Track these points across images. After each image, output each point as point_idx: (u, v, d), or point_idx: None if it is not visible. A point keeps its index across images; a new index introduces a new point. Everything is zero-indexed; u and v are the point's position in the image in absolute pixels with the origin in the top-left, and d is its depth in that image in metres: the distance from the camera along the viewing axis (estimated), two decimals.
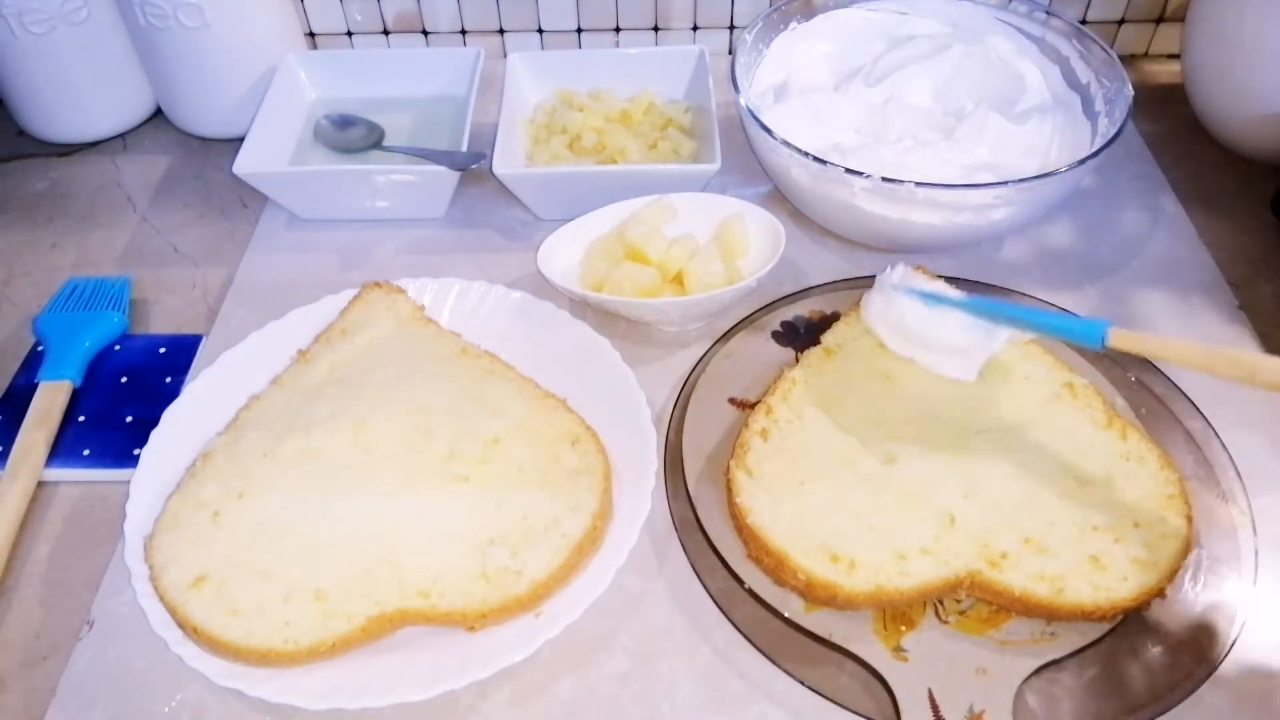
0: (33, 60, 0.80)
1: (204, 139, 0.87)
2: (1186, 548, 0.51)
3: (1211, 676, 0.48)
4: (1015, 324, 0.57)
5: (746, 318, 0.66)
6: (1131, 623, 0.50)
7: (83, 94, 0.84)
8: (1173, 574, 0.50)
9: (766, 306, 0.67)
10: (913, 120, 0.73)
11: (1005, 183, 0.63)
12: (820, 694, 0.48)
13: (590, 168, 0.75)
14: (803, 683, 0.49)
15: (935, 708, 0.47)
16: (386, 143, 0.80)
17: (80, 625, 0.54)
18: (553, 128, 0.79)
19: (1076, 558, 0.50)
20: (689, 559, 0.54)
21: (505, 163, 0.72)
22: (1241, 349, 0.54)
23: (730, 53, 0.85)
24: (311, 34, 0.93)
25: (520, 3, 0.90)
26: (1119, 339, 0.50)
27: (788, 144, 0.65)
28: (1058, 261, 0.72)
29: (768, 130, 0.66)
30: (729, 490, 0.54)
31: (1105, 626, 0.50)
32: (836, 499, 0.53)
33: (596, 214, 0.69)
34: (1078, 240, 0.74)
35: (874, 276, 0.68)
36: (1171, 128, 0.85)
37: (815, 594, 0.50)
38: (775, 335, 0.65)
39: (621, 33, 0.92)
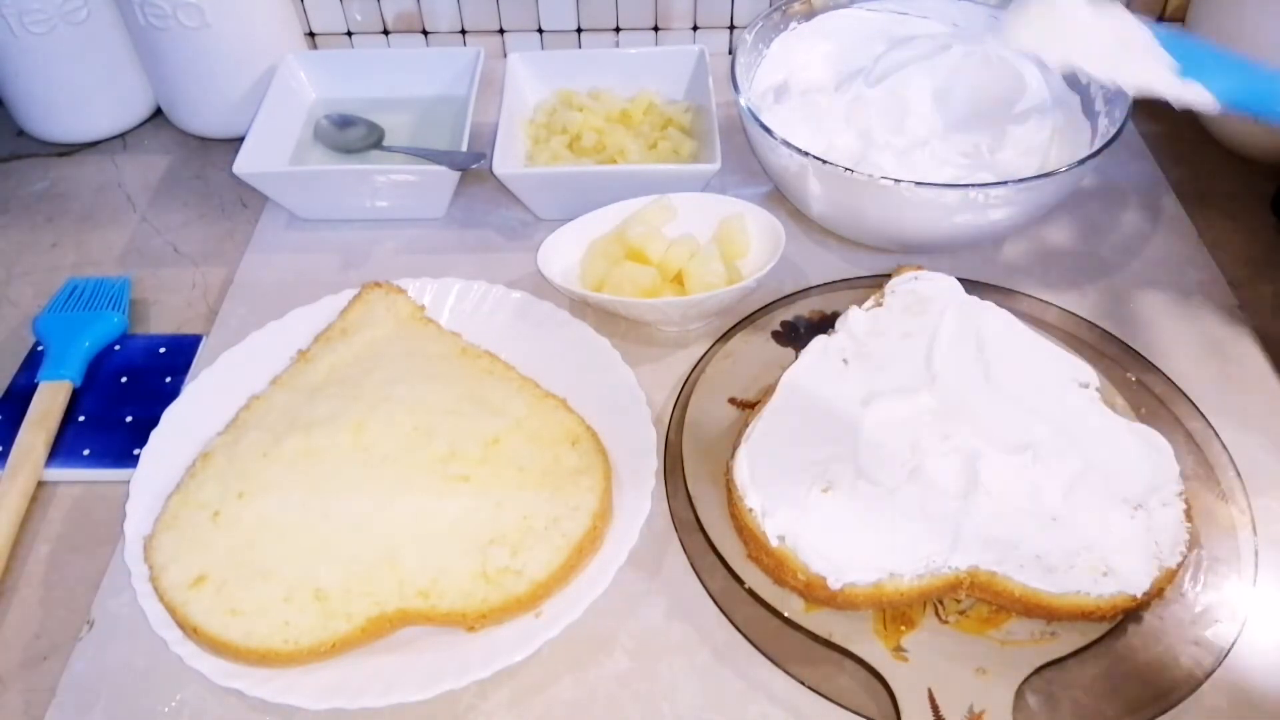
0: (33, 60, 0.80)
1: (204, 139, 0.87)
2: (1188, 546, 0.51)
3: (1211, 676, 0.48)
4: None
5: (746, 318, 0.66)
6: (1131, 623, 0.50)
7: (83, 94, 0.84)
8: (1172, 575, 0.50)
9: (766, 306, 0.67)
10: (913, 120, 0.73)
11: (1005, 183, 0.63)
12: (820, 694, 0.48)
13: (590, 168, 0.75)
14: (803, 683, 0.49)
15: (935, 708, 0.47)
16: (386, 143, 0.80)
17: (80, 625, 0.54)
18: (553, 128, 0.79)
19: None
20: (689, 559, 0.54)
21: (505, 163, 0.72)
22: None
23: (730, 53, 0.85)
24: (311, 34, 0.93)
25: (520, 3, 0.90)
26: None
27: (788, 144, 0.65)
28: (1058, 261, 0.72)
29: (768, 130, 0.66)
30: (729, 490, 0.54)
31: (1105, 626, 0.50)
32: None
33: (596, 214, 0.69)
34: (1078, 240, 0.74)
35: (874, 277, 0.69)
36: (1171, 128, 0.85)
37: (815, 594, 0.50)
38: (775, 335, 0.65)
39: (621, 33, 0.92)
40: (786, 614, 0.51)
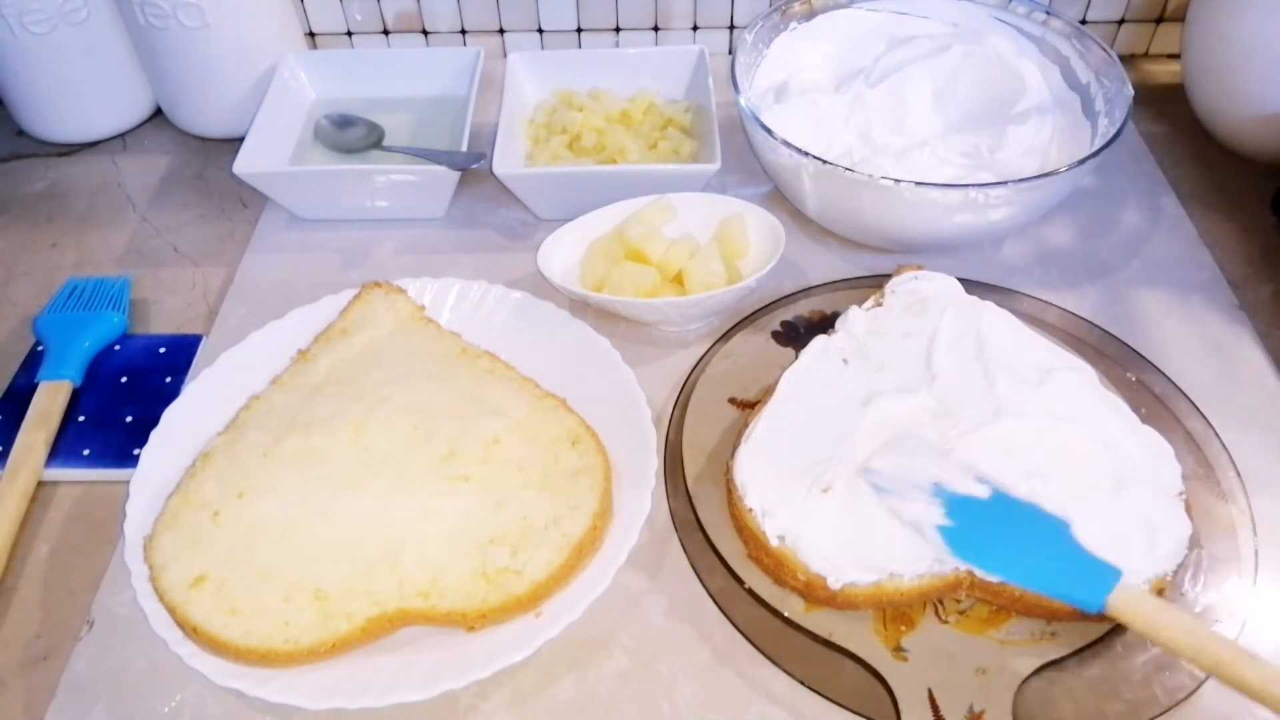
0: (33, 60, 0.80)
1: (204, 139, 0.87)
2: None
3: (1212, 676, 0.48)
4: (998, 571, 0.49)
5: (746, 318, 0.66)
6: None
7: (83, 94, 0.84)
8: (1172, 575, 0.50)
9: (766, 306, 0.67)
10: (913, 120, 0.73)
11: (1005, 183, 0.63)
12: (820, 694, 0.48)
13: (590, 168, 0.75)
14: (803, 683, 0.49)
15: (935, 708, 0.47)
16: (386, 143, 0.80)
17: (80, 625, 0.54)
18: (553, 128, 0.79)
19: None
20: (689, 559, 0.54)
21: (505, 163, 0.72)
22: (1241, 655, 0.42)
23: (730, 53, 0.85)
24: (311, 34, 0.93)
25: (520, 3, 0.90)
26: (1120, 604, 0.44)
27: (788, 144, 0.65)
28: (1058, 261, 0.72)
29: (768, 130, 0.66)
30: (729, 490, 0.54)
31: (1105, 626, 0.50)
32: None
33: (596, 214, 0.69)
34: (1078, 240, 0.74)
35: (874, 277, 0.69)
36: (1171, 128, 0.85)
37: (815, 594, 0.50)
38: (775, 335, 0.65)
39: (621, 33, 0.92)
40: (786, 614, 0.51)
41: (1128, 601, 0.44)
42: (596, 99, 0.81)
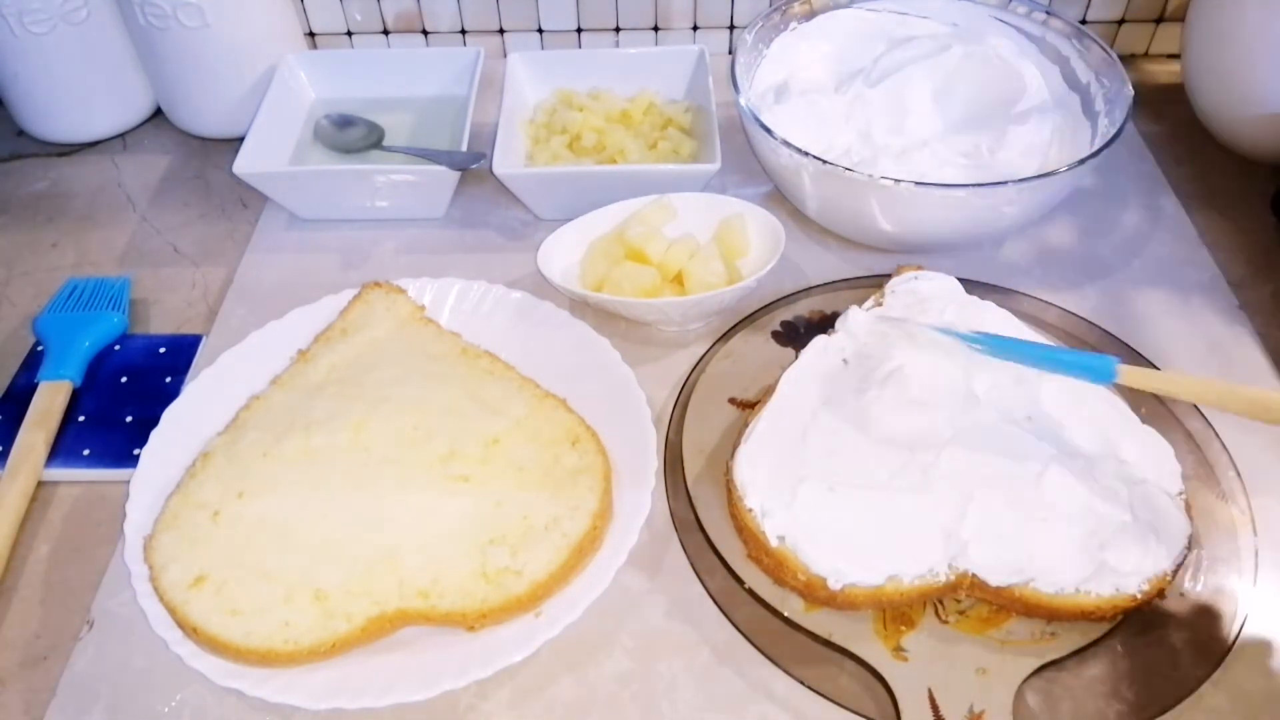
0: (33, 60, 0.80)
1: (204, 139, 0.87)
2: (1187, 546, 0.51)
3: (1211, 676, 0.48)
4: (1023, 360, 0.55)
5: (746, 318, 0.66)
6: (1131, 622, 0.50)
7: (83, 94, 0.84)
8: (1172, 575, 0.50)
9: (766, 306, 0.67)
10: (913, 120, 0.73)
11: (1005, 183, 0.63)
12: (820, 694, 0.49)
13: (590, 168, 0.75)
14: (803, 683, 0.49)
15: (935, 708, 0.47)
16: (386, 143, 0.80)
17: (80, 625, 0.54)
18: (553, 128, 0.79)
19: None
20: (689, 559, 0.54)
21: (505, 163, 0.72)
22: (1255, 385, 0.54)
23: (730, 53, 0.85)
24: (311, 34, 0.93)
25: (520, 3, 0.90)
26: (1128, 376, 0.51)
27: (788, 144, 0.65)
28: (1058, 261, 0.72)
29: (768, 130, 0.66)
30: (729, 490, 0.54)
31: (1105, 626, 0.50)
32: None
33: (596, 214, 0.69)
34: (1078, 240, 0.74)
35: (874, 277, 0.69)
36: (1171, 128, 0.85)
37: (815, 594, 0.50)
38: (775, 335, 0.65)
39: (621, 33, 0.92)
40: (786, 614, 0.51)
41: (1133, 372, 0.51)
42: (596, 99, 0.81)
